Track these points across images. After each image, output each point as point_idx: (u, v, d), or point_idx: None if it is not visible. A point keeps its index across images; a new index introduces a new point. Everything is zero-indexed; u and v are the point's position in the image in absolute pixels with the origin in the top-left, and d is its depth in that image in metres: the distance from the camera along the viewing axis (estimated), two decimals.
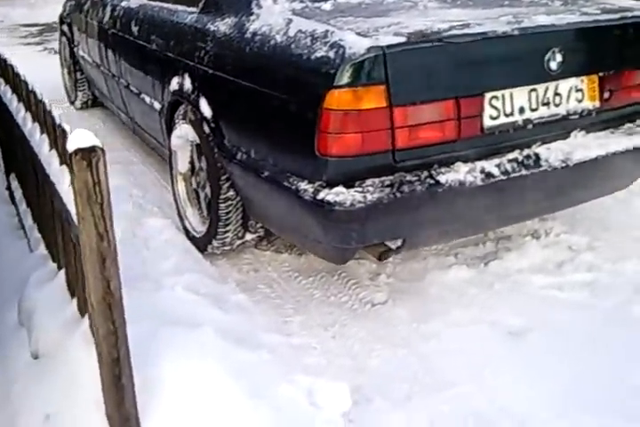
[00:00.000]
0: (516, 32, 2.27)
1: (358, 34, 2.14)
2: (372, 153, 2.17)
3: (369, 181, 2.18)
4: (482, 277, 2.72)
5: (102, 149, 1.54)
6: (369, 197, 2.13)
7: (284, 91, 2.29)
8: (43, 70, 6.23)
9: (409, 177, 2.21)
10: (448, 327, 2.41)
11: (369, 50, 2.05)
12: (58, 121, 2.00)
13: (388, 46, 2.07)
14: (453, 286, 2.66)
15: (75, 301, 2.04)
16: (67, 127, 1.87)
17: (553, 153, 2.45)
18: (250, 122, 2.53)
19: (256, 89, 2.41)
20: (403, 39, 2.11)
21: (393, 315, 2.53)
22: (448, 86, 2.22)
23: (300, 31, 2.29)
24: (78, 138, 1.55)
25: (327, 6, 2.46)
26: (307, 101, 2.17)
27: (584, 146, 2.52)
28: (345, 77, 2.06)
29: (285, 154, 2.34)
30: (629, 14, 2.59)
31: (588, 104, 2.54)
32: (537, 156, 2.42)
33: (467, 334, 2.37)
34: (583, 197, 2.77)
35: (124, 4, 3.87)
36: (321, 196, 2.14)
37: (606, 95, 2.58)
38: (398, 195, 2.16)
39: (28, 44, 8.68)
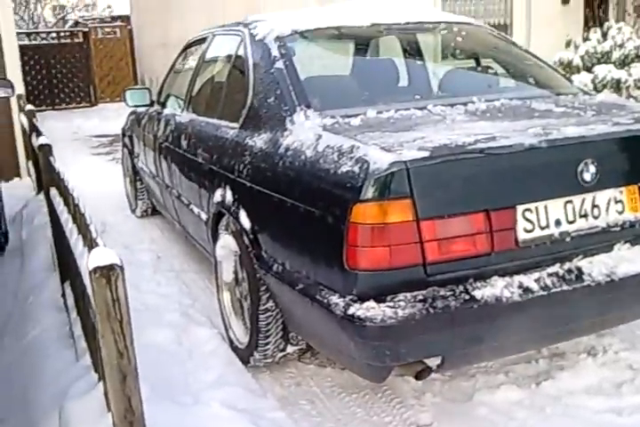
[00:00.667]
0: (543, 144, 2.25)
1: (382, 149, 2.17)
2: (403, 267, 2.14)
3: (401, 296, 2.14)
4: (533, 398, 2.57)
5: (121, 267, 1.58)
6: (400, 312, 2.09)
7: (313, 204, 2.33)
8: (110, 179, 6.59)
9: (443, 292, 2.16)
10: None
11: (392, 165, 2.08)
12: (95, 235, 2.07)
13: (412, 161, 2.09)
14: (502, 409, 2.53)
15: (110, 415, 2.04)
16: (101, 242, 1.93)
17: (596, 267, 2.35)
18: (284, 234, 2.56)
19: (288, 202, 2.46)
20: (426, 153, 2.12)
21: None
22: (476, 199, 2.21)
23: (328, 146, 2.35)
24: (98, 255, 1.59)
25: (356, 121, 2.52)
26: (334, 215, 2.19)
27: (629, 259, 2.42)
28: (370, 192, 2.08)
29: (317, 267, 2.34)
30: None
31: (630, 216, 2.47)
32: (579, 270, 2.33)
33: None
34: (635, 313, 2.64)
35: (176, 118, 4.08)
36: (352, 311, 2.12)
37: None
38: (432, 310, 2.11)
39: (99, 153, 9.11)
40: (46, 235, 4.14)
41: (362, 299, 2.13)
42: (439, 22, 3.47)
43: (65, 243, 2.93)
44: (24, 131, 6.41)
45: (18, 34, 13.22)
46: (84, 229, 2.35)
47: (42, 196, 4.65)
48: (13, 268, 4.36)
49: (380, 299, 2.13)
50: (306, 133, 2.52)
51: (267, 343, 2.79)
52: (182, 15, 10.96)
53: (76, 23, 16.74)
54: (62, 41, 14.50)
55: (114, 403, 1.69)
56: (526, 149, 2.23)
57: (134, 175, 5.40)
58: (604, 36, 6.04)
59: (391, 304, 2.11)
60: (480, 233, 2.21)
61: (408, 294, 2.14)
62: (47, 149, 3.69)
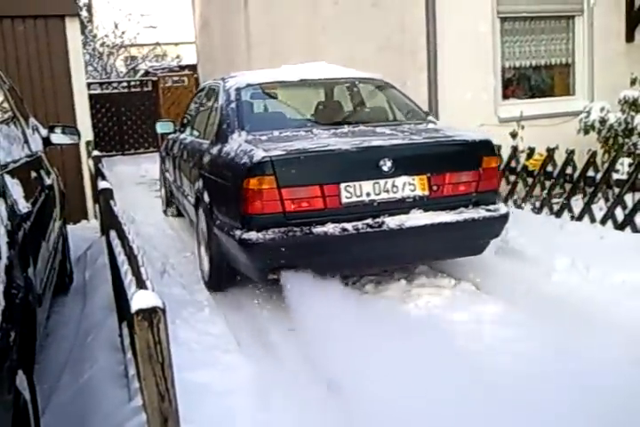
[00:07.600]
0: (353, 149, 4.00)
1: (263, 150, 3.98)
2: (272, 214, 3.93)
3: (271, 230, 3.92)
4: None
5: (163, 310, 1.65)
6: (268, 237, 3.88)
7: (229, 181, 4.19)
8: (176, 222, 7.15)
9: (294, 228, 3.93)
10: None
11: (263, 157, 3.89)
12: (145, 278, 2.12)
13: (274, 156, 3.90)
14: None
15: None
16: (150, 285, 1.98)
17: (393, 221, 4.05)
18: (219, 200, 4.41)
19: (220, 182, 4.34)
20: (284, 152, 3.94)
21: None
22: (314, 178, 3.97)
23: (240, 150, 4.19)
24: (142, 298, 1.68)
25: (264, 138, 4.34)
26: (238, 185, 4.00)
27: (416, 218, 4.11)
28: (253, 172, 3.88)
29: (231, 215, 4.16)
30: (443, 139, 4.30)
31: (420, 193, 4.15)
32: (382, 222, 4.03)
33: None
34: (430, 255, 4.39)
35: (185, 140, 5.98)
36: (244, 236, 3.93)
37: (435, 188, 4.17)
38: (286, 237, 3.89)
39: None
40: (107, 275, 4.16)
41: (249, 230, 3.94)
42: (348, 78, 5.31)
43: (121, 284, 2.85)
44: (91, 175, 6.59)
45: (91, 84, 13.52)
46: (135, 271, 2.35)
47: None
48: (76, 307, 4.55)
49: (259, 230, 3.92)
50: (234, 144, 4.37)
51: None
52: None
53: (146, 73, 17.12)
54: (132, 90, 15.06)
55: None
56: (341, 151, 4.00)
57: (164, 183, 7.35)
58: None
59: (264, 233, 3.90)
60: (317, 197, 3.97)
61: (275, 229, 3.92)
62: (108, 193, 3.86)
